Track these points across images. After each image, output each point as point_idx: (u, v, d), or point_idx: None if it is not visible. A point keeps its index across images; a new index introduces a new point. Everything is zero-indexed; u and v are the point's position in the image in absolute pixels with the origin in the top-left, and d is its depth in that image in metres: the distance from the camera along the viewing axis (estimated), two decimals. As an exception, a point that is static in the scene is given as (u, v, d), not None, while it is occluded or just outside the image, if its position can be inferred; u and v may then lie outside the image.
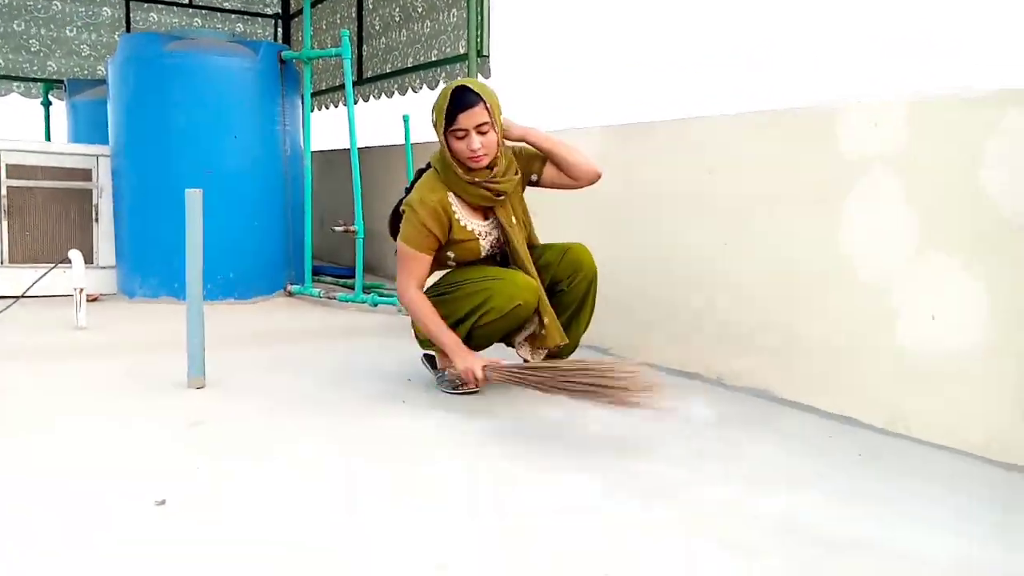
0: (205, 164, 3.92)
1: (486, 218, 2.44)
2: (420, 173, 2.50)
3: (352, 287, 4.31)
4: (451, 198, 2.37)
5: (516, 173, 2.42)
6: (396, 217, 2.53)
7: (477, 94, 2.26)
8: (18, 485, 1.72)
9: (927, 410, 2.08)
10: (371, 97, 5.43)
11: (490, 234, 2.45)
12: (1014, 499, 1.73)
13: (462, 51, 4.22)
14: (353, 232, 3.94)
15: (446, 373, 2.50)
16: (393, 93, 5.14)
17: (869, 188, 2.20)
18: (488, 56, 4.02)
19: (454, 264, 2.49)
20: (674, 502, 1.69)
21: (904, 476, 1.86)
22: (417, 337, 2.55)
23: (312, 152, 4.34)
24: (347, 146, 4.05)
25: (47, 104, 6.01)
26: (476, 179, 2.33)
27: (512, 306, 2.30)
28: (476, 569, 1.38)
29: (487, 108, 2.25)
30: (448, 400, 2.44)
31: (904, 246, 2.11)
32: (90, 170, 4.26)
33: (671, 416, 2.29)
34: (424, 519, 1.58)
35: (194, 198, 2.47)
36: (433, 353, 2.59)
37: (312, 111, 4.30)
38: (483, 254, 2.47)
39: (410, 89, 4.91)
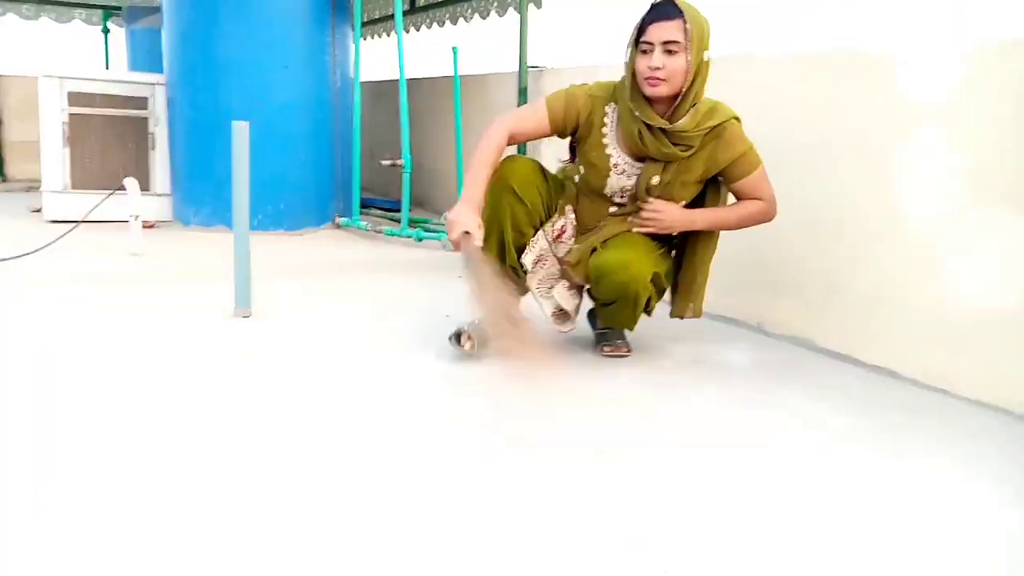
0: (256, 95, 3.95)
1: (638, 159, 2.12)
2: None
3: (400, 220, 4.34)
4: (609, 109, 2.12)
5: (700, 148, 2.07)
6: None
7: (679, 10, 1.95)
8: (62, 407, 1.82)
9: (968, 367, 2.03)
10: (422, 26, 5.37)
11: (628, 177, 2.13)
12: (1051, 461, 1.70)
13: (514, -20, 4.13)
14: (400, 165, 3.95)
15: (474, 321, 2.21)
16: (444, 22, 5.08)
17: (921, 137, 2.11)
18: (540, -13, 3.92)
19: (583, 184, 2.20)
20: (701, 448, 1.70)
21: (944, 434, 1.83)
22: None
23: (362, 83, 4.33)
24: (397, 77, 4.02)
25: (106, 32, 6.10)
26: (640, 114, 2.02)
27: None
28: (495, 501, 1.42)
29: (685, 28, 1.93)
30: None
31: (954, 198, 2.03)
32: (147, 98, 4.34)
33: (708, 362, 2.29)
34: (454, 452, 1.63)
35: (241, 131, 2.50)
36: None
37: (362, 40, 4.27)
38: (607, 191, 2.16)
39: (461, 19, 4.84)
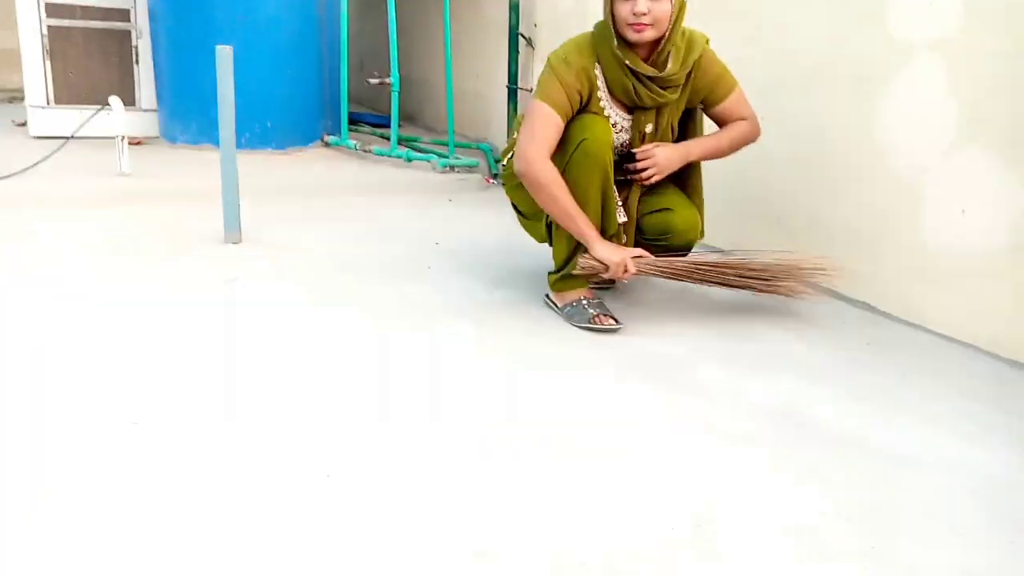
0: (240, 8, 3.84)
1: (629, 112, 2.07)
2: None
3: (389, 138, 4.30)
4: (597, 71, 2.01)
5: (684, 84, 2.05)
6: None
7: None
8: (40, 338, 1.87)
9: (943, 303, 2.09)
10: (412, -66, 5.17)
11: (625, 132, 2.09)
12: (1014, 397, 1.77)
13: None
14: (389, 84, 3.89)
15: (582, 301, 2.10)
16: (434, -69, 4.88)
17: (913, 73, 2.10)
18: None
19: None
20: (674, 384, 1.76)
21: (911, 369, 1.90)
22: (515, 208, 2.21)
23: (349, -5, 4.21)
24: (384, -10, 3.91)
25: (82, -67, 5.84)
26: (631, 65, 1.95)
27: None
28: (465, 428, 1.49)
29: None
30: (472, 268, 2.50)
31: (942, 137, 2.04)
32: (128, 10, 4.21)
33: (693, 291, 2.35)
34: (436, 380, 1.69)
35: (224, 56, 2.46)
36: (550, 293, 2.19)
37: (349, -48, 4.12)
38: None
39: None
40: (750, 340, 2.03)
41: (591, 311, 2.07)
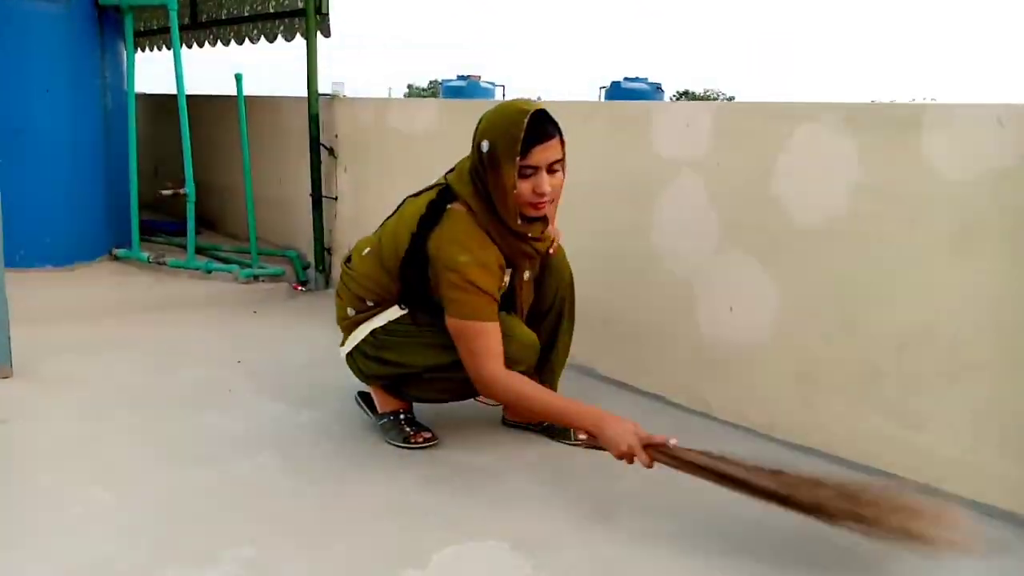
0: (13, 120, 3.59)
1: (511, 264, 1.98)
2: (435, 199, 1.92)
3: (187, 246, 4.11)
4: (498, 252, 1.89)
5: None
6: (412, 256, 1.91)
7: (555, 124, 1.82)
8: None
9: (723, 393, 2.28)
10: (206, 43, 5.12)
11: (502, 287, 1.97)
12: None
13: (300, 5, 4.03)
14: (184, 195, 3.75)
15: (400, 416, 2.09)
16: (229, 41, 4.87)
17: (678, 187, 2.34)
18: (327, 14, 3.86)
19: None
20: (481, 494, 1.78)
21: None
22: (358, 369, 2.07)
23: (145, 96, 4.06)
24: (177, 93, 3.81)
25: None
26: (528, 233, 1.89)
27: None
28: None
29: (562, 142, 1.83)
30: (276, 390, 2.41)
31: (707, 243, 2.27)
32: None
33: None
34: (240, 527, 1.60)
35: (-11, 177, 2.28)
36: (369, 391, 2.15)
37: (143, 52, 4.00)
38: None
39: (247, 39, 4.67)
40: (547, 441, 2.10)
41: (408, 429, 2.06)
